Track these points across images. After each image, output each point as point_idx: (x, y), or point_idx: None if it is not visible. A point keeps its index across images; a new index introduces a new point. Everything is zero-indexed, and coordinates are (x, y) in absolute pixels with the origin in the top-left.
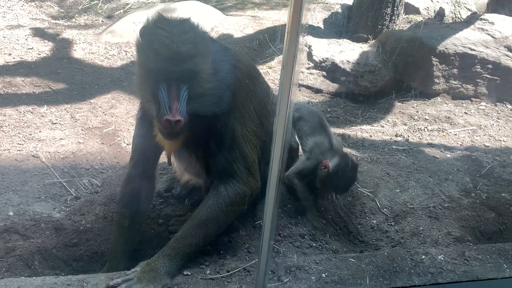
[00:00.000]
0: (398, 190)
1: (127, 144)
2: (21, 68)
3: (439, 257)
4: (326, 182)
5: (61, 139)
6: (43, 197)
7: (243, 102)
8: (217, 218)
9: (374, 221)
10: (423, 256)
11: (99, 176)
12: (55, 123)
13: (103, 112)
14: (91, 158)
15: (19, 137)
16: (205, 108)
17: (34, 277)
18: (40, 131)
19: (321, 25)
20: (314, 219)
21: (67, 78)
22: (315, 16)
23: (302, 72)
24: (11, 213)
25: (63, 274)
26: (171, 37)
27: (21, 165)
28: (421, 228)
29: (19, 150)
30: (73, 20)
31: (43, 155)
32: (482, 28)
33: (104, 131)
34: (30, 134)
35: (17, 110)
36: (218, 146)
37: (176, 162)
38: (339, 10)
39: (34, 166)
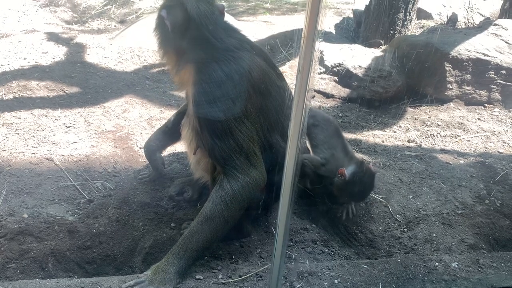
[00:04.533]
0: (411, 196)
1: (140, 148)
2: (36, 72)
3: (453, 264)
4: (343, 190)
5: (75, 142)
6: (56, 200)
7: (239, 104)
8: (222, 212)
9: (387, 227)
10: (437, 263)
11: (112, 180)
12: (68, 127)
13: (116, 116)
14: (104, 161)
15: (33, 140)
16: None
17: (48, 279)
18: (54, 134)
19: (333, 30)
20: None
21: (80, 82)
22: (326, 21)
23: (314, 77)
24: (25, 216)
25: (76, 276)
26: None
27: (35, 167)
28: (434, 234)
29: (34, 153)
30: (87, 25)
31: (57, 158)
32: (495, 34)
33: (117, 134)
34: (44, 137)
35: (31, 113)
36: (211, 134)
37: (189, 154)
38: (351, 16)
39: (48, 169)
